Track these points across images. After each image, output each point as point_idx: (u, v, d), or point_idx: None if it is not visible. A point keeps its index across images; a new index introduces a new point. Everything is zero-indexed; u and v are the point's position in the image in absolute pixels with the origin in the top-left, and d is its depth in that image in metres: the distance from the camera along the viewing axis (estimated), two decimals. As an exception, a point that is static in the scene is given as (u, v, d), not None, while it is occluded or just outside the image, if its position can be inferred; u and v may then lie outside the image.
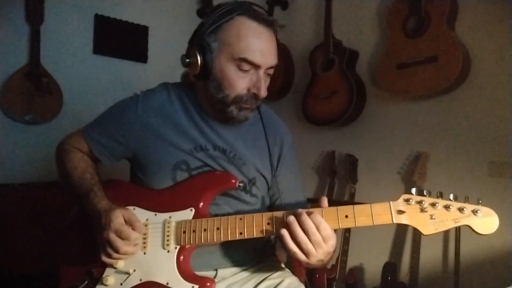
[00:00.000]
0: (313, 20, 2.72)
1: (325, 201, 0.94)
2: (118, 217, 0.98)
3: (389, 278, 2.03)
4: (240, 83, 1.03)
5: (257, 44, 1.00)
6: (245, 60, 1.00)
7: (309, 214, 0.89)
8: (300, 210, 0.90)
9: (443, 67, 1.85)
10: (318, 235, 0.87)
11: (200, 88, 1.12)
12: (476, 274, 1.85)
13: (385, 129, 2.29)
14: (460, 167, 1.95)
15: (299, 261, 0.90)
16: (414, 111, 2.15)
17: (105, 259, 1.00)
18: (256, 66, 1.02)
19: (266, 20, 1.02)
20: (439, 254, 1.98)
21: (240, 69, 1.01)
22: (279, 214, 0.94)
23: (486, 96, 1.88)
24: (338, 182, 2.49)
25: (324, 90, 2.39)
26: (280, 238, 0.89)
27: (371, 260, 2.26)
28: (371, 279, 2.26)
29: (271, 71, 1.07)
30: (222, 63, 1.02)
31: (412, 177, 2.01)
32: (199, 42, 1.03)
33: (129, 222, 1.00)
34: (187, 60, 1.05)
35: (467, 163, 1.93)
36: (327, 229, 0.88)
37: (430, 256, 1.98)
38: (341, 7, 2.48)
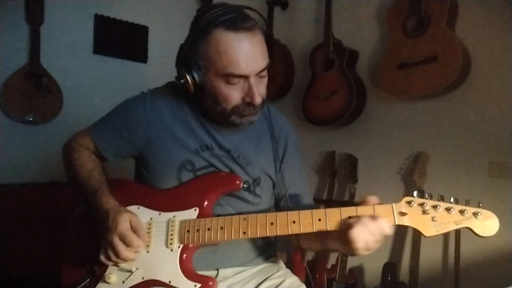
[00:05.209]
0: (313, 20, 2.73)
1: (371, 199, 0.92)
2: (125, 221, 0.99)
3: (389, 278, 2.04)
4: (233, 95, 1.02)
5: (238, 55, 0.97)
6: (230, 75, 0.98)
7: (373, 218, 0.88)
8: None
9: (443, 67, 1.86)
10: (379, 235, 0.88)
11: (202, 99, 1.11)
12: (476, 274, 1.86)
13: (385, 129, 2.29)
14: (460, 167, 1.96)
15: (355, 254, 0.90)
16: (414, 111, 2.15)
17: (103, 260, 1.00)
18: (244, 76, 1.00)
19: (244, 27, 0.96)
20: (439, 254, 1.98)
21: (229, 82, 1.00)
22: (282, 214, 0.96)
23: (486, 96, 1.89)
24: (338, 182, 2.50)
25: (324, 90, 2.39)
26: (348, 236, 0.87)
27: (371, 260, 2.26)
28: (371, 279, 2.27)
29: (264, 73, 1.04)
30: (211, 80, 1.01)
31: (412, 177, 2.02)
32: (185, 62, 1.03)
33: (134, 229, 1.00)
34: (181, 81, 1.04)
35: (467, 163, 1.94)
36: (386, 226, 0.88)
37: (430, 256, 1.99)
38: (341, 7, 2.48)
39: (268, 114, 1.18)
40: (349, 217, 0.90)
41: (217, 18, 0.97)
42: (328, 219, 0.92)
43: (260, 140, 1.18)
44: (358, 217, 0.89)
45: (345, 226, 0.89)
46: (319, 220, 0.93)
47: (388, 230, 0.88)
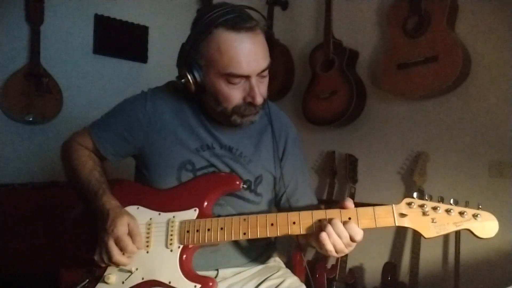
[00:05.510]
0: (313, 20, 2.73)
1: (349, 203, 0.94)
2: (123, 225, 0.98)
3: (389, 278, 2.04)
4: (234, 95, 1.02)
5: (240, 55, 0.97)
6: (232, 75, 0.98)
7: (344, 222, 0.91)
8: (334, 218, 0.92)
9: (443, 67, 1.86)
10: (348, 238, 0.90)
11: (203, 99, 1.12)
12: (476, 274, 1.86)
13: (385, 129, 2.29)
14: (460, 167, 1.96)
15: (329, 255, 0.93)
16: (414, 111, 2.15)
17: (97, 260, 1.00)
18: (245, 76, 1.00)
19: (245, 27, 0.97)
20: (439, 254, 1.98)
21: (230, 82, 1.00)
22: (282, 215, 0.96)
23: (486, 96, 1.89)
24: (338, 182, 2.50)
25: (324, 90, 2.39)
26: (318, 238, 0.91)
27: (371, 260, 2.26)
28: (371, 279, 2.26)
29: (265, 74, 1.04)
30: (212, 80, 1.02)
31: (412, 177, 2.01)
32: (186, 62, 1.03)
33: (131, 233, 1.00)
34: (182, 81, 1.04)
35: (467, 163, 1.93)
36: (357, 232, 0.91)
37: (430, 256, 1.99)
38: (341, 7, 2.48)
39: (268, 111, 1.18)
40: (330, 219, 0.91)
41: (219, 18, 0.97)
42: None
43: (260, 138, 1.18)
44: (330, 220, 0.90)
45: (318, 228, 0.92)
46: (319, 221, 0.93)
47: (358, 236, 0.89)
